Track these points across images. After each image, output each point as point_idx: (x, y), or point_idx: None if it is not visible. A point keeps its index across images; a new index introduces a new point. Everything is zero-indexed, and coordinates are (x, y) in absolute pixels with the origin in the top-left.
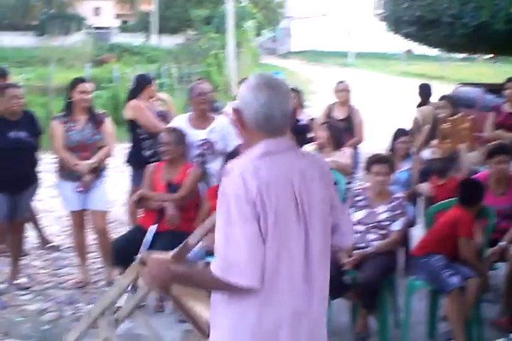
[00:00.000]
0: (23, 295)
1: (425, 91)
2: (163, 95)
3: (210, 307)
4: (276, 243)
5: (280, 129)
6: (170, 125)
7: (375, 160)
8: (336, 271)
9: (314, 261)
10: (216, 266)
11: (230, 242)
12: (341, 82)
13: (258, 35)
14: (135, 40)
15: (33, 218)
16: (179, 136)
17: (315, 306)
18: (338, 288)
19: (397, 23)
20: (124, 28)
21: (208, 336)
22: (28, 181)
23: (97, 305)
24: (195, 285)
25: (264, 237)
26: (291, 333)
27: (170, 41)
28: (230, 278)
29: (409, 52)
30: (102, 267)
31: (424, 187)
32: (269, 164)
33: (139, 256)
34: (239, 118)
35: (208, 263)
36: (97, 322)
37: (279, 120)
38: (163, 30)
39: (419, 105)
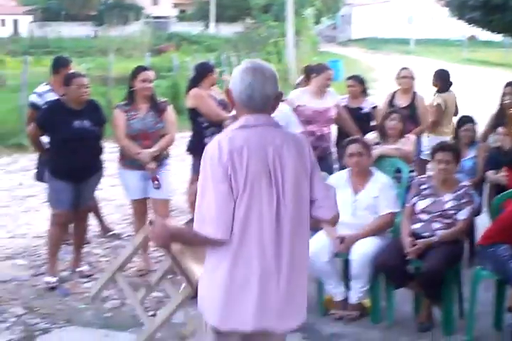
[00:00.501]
0: (86, 282)
1: (443, 77)
2: (229, 76)
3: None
4: (245, 203)
5: (260, 107)
6: (232, 113)
7: (439, 147)
8: (400, 261)
9: (285, 227)
10: (195, 221)
11: (204, 199)
12: (404, 68)
13: (317, 22)
14: (193, 29)
15: (94, 206)
16: None
17: (284, 268)
18: (401, 277)
19: (460, 8)
20: (182, 17)
21: (195, 289)
22: (93, 170)
23: (115, 261)
24: (188, 242)
25: (235, 197)
26: (259, 288)
27: (228, 30)
28: (202, 231)
29: (472, 38)
30: (162, 255)
31: (494, 175)
32: (244, 134)
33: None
34: (229, 97)
35: None
36: (115, 277)
37: (260, 99)
38: (221, 18)
39: (439, 91)
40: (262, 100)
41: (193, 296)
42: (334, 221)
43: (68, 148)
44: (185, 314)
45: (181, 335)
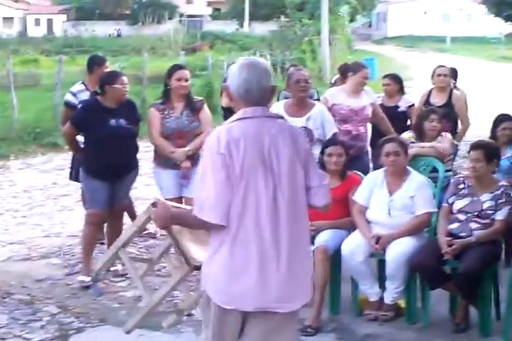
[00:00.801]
0: (119, 282)
1: (453, 74)
2: None
3: (202, 248)
4: (243, 191)
5: (257, 100)
6: None
7: (472, 146)
8: (436, 261)
9: (282, 213)
10: (194, 206)
11: (203, 186)
12: (440, 66)
13: (352, 20)
14: (227, 27)
15: (129, 206)
16: None
17: (284, 251)
18: (437, 278)
19: (498, 5)
20: (216, 16)
21: (192, 267)
22: (128, 168)
23: (119, 239)
24: (187, 225)
25: (233, 184)
26: (259, 271)
27: (262, 28)
28: (201, 216)
29: (509, 35)
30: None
31: None
32: (241, 126)
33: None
34: (227, 92)
35: None
36: (119, 254)
37: (256, 93)
38: (255, 17)
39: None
40: (259, 93)
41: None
42: (326, 209)
43: (104, 146)
44: (184, 289)
45: (179, 309)
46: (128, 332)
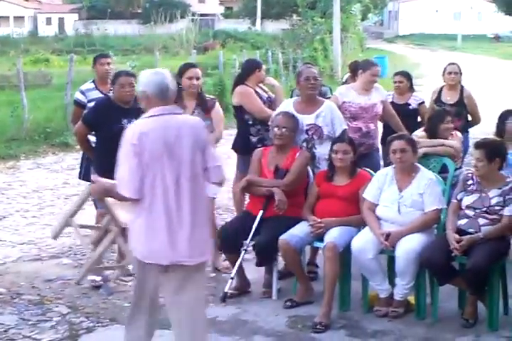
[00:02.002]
0: (130, 281)
1: None
2: (272, 80)
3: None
4: (152, 173)
5: (167, 100)
6: (278, 110)
7: (474, 145)
8: (445, 257)
9: (184, 190)
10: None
11: (121, 168)
12: (451, 63)
13: (364, 19)
14: (239, 26)
15: None
16: (295, 122)
17: (186, 218)
18: (446, 274)
19: (508, 3)
20: (228, 15)
21: (120, 229)
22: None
23: (68, 210)
24: (116, 197)
25: (143, 168)
26: (168, 234)
27: (274, 27)
28: (120, 191)
29: None
30: None
31: None
32: (151, 121)
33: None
34: (144, 95)
35: (316, 248)
36: (69, 221)
37: (168, 94)
38: (267, 15)
39: None
40: (169, 94)
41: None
42: (221, 183)
43: (116, 146)
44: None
45: (121, 265)
46: (78, 284)
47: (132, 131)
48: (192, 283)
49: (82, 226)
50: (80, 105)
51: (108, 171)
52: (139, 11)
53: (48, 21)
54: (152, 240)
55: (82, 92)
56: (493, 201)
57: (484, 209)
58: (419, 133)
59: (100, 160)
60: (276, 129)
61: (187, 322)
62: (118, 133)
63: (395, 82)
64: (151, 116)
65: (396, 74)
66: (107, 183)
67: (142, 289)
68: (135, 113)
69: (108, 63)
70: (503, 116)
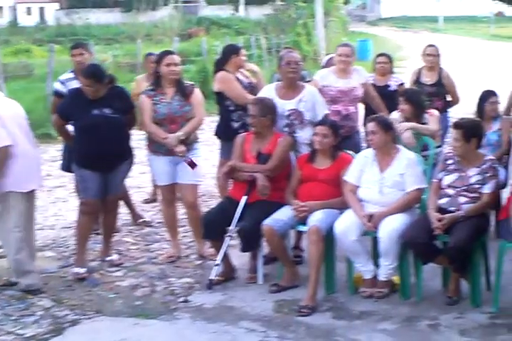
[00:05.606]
0: (115, 271)
1: None
2: (253, 66)
3: None
4: (11, 138)
5: None
6: (258, 96)
7: (452, 125)
8: (428, 236)
9: (32, 140)
10: None
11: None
12: (430, 45)
13: (347, 2)
14: (223, 12)
15: (124, 195)
16: (265, 107)
17: (36, 158)
18: (429, 252)
19: None
20: (212, 1)
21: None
22: (120, 158)
23: None
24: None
25: (8, 135)
26: (30, 167)
27: (258, 12)
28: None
29: (499, 14)
30: (193, 241)
31: None
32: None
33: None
34: None
35: (300, 232)
36: None
37: None
38: (250, 1)
39: None
40: None
41: None
42: None
43: (89, 136)
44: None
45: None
46: None
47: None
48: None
49: None
50: (59, 95)
51: (85, 162)
52: None
53: (28, 11)
54: (25, 175)
55: (62, 82)
56: (473, 179)
57: (464, 187)
58: (396, 115)
59: (78, 150)
60: (249, 118)
61: None
62: (89, 123)
63: (379, 63)
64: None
65: (380, 55)
66: None
67: None
68: (109, 102)
69: (81, 54)
70: (483, 97)
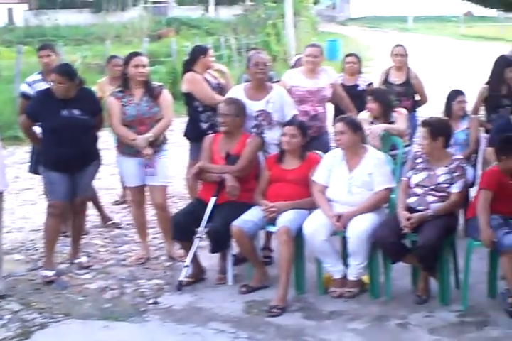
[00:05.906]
0: (84, 274)
1: None
2: (221, 67)
3: None
4: None
5: None
6: (227, 96)
7: (421, 123)
8: (397, 235)
9: None
10: None
11: None
12: (397, 45)
13: (316, 3)
14: (193, 13)
15: (93, 196)
16: (238, 107)
17: None
18: (398, 251)
19: None
20: (181, 2)
21: None
22: (87, 160)
23: None
24: None
25: None
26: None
27: (227, 13)
28: None
29: (468, 14)
30: (162, 242)
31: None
32: None
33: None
34: None
35: (270, 233)
36: None
37: None
38: (220, 1)
39: None
40: None
41: None
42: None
43: (58, 137)
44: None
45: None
46: None
47: None
48: None
49: None
50: (26, 97)
51: (53, 163)
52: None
53: None
54: None
55: (29, 84)
56: (441, 179)
57: (432, 186)
58: (365, 114)
59: (45, 152)
60: (220, 118)
61: None
62: (57, 124)
63: (348, 63)
64: None
65: (348, 55)
66: None
67: None
68: (78, 104)
69: (48, 55)
70: (451, 96)
